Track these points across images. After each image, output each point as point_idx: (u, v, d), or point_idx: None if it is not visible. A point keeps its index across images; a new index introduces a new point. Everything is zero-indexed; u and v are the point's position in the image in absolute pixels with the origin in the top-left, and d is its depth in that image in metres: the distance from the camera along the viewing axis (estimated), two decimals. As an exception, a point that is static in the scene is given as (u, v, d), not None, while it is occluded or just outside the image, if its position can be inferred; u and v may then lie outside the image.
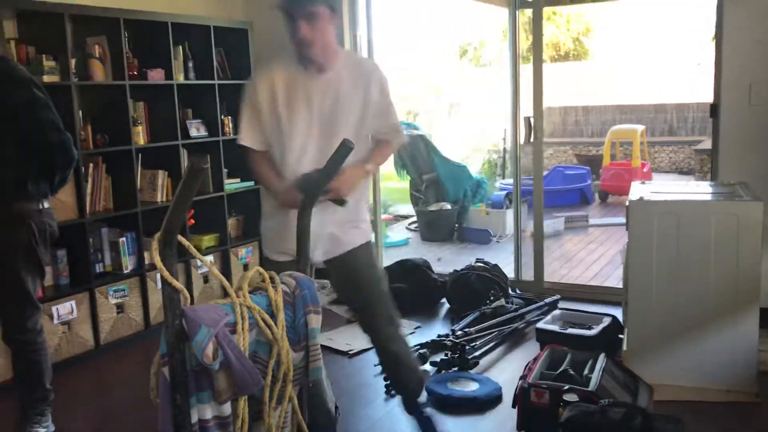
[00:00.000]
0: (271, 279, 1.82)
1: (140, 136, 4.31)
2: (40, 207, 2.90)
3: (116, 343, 4.10)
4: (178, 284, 1.53)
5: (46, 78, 3.71)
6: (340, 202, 2.39)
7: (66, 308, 3.83)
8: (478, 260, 4.97)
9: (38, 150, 2.83)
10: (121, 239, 4.18)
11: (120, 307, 4.14)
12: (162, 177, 4.46)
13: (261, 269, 1.84)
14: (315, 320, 1.83)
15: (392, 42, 13.31)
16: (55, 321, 3.77)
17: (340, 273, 2.66)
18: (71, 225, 3.85)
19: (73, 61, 3.88)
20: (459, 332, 3.97)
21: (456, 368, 3.60)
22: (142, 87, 4.33)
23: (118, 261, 4.18)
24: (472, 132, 13.92)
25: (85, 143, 3.98)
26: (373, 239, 2.56)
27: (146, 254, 4.26)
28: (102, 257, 4.15)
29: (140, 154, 4.31)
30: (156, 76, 4.36)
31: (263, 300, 1.77)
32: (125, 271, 4.18)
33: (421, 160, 7.78)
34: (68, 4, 3.89)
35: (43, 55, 3.78)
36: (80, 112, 3.93)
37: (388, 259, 5.49)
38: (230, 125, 4.88)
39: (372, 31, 5.23)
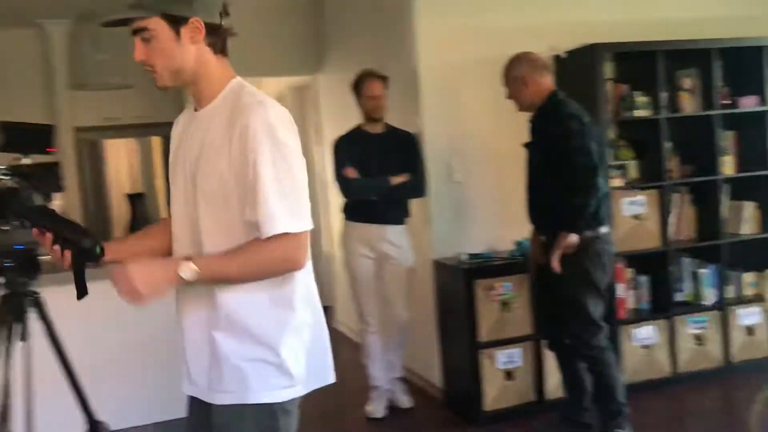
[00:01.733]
0: None
1: (728, 165, 4.20)
2: (596, 234, 3.13)
3: (693, 374, 4.05)
4: None
5: (636, 113, 3.97)
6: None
7: (645, 332, 3.97)
8: None
9: (567, 175, 3.04)
10: (702, 270, 4.13)
11: (698, 339, 4.08)
12: (749, 208, 4.24)
13: None
14: None
15: None
16: (634, 342, 3.95)
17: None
18: (654, 253, 3.99)
19: (663, 95, 4.03)
20: None
21: None
22: (732, 116, 4.21)
23: (699, 292, 4.14)
24: None
25: (671, 173, 4.08)
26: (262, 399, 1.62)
27: (729, 288, 4.13)
28: (682, 286, 4.17)
29: (727, 185, 4.19)
30: (748, 103, 4.19)
31: None
32: (705, 303, 4.11)
33: None
34: (661, 41, 4.06)
35: (636, 92, 4.04)
36: (668, 143, 4.04)
37: None
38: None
39: None
